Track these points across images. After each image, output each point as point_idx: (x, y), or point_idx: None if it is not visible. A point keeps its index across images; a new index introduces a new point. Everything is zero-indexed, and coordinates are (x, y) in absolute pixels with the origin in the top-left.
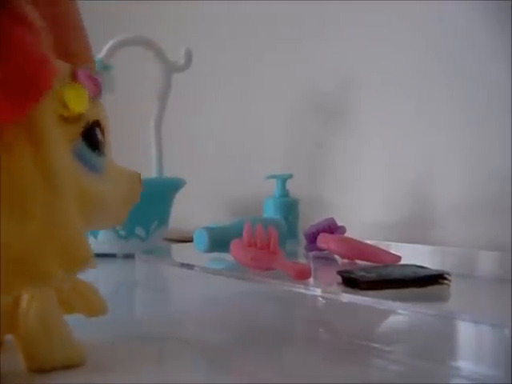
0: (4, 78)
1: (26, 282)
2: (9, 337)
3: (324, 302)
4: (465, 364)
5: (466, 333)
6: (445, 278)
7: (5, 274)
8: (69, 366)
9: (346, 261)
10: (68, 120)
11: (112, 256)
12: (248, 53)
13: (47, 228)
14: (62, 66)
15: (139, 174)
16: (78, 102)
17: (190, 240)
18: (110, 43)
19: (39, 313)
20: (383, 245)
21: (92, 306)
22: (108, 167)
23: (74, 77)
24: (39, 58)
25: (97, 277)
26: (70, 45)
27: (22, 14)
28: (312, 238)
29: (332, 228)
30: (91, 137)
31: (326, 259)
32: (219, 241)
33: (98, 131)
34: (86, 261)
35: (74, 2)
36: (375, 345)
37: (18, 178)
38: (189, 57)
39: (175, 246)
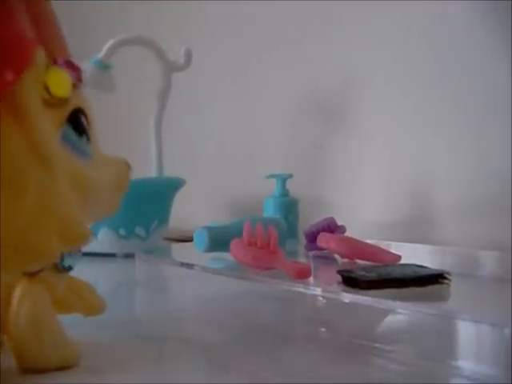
0: None
1: (27, 260)
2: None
3: (324, 301)
4: (465, 363)
5: (466, 332)
6: (445, 278)
7: (4, 253)
8: (62, 367)
9: (346, 260)
10: (52, 104)
11: (112, 256)
12: (248, 53)
13: (43, 205)
14: (42, 52)
15: (127, 161)
16: (59, 85)
17: (190, 240)
18: (110, 43)
19: (30, 312)
20: (383, 244)
21: (90, 304)
22: (96, 154)
23: (54, 62)
24: (21, 36)
25: (97, 276)
26: (49, 43)
27: None
28: (312, 238)
29: (332, 227)
30: (77, 122)
31: (326, 259)
32: (219, 240)
33: (82, 118)
34: (84, 236)
35: (49, 2)
36: (375, 344)
37: (10, 157)
38: (189, 56)
39: (175, 246)
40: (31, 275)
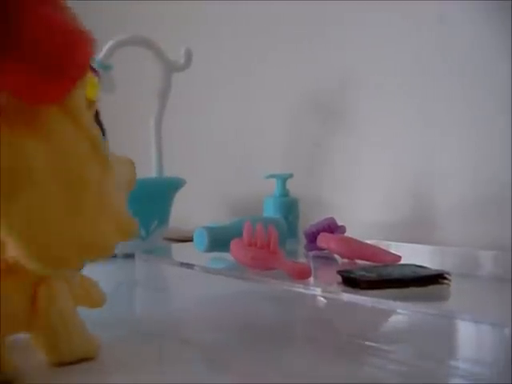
0: (43, 59)
1: (89, 254)
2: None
3: (324, 301)
4: (465, 363)
5: (466, 332)
6: (445, 278)
7: (68, 248)
8: (86, 359)
9: (346, 260)
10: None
11: (112, 255)
12: (248, 53)
13: (101, 203)
14: None
15: (132, 161)
16: (92, 89)
17: (190, 239)
18: (110, 43)
19: (60, 309)
20: (383, 244)
21: (93, 298)
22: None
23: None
24: (73, 33)
25: (97, 276)
26: None
27: None
28: (312, 238)
29: (332, 228)
30: (99, 124)
31: (326, 259)
32: (219, 240)
33: (100, 119)
34: (135, 230)
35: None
36: (375, 344)
37: (76, 151)
38: (189, 56)
39: (175, 246)
40: None
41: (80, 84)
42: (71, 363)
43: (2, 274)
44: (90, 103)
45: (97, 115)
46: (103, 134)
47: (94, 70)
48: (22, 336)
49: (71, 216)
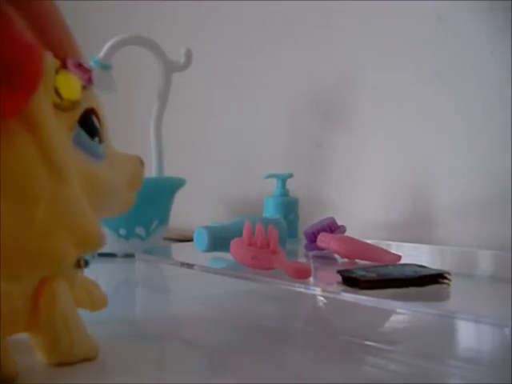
0: None
1: (42, 267)
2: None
3: (325, 301)
4: (465, 363)
5: (466, 332)
6: (445, 278)
7: (18, 261)
8: (86, 359)
9: (346, 260)
10: (63, 108)
11: (112, 256)
12: (248, 52)
13: (56, 213)
14: (50, 56)
15: (140, 158)
16: (70, 89)
17: (190, 239)
18: (110, 43)
19: (62, 310)
20: (383, 244)
21: (94, 300)
22: (109, 153)
23: (63, 66)
24: (24, 45)
25: (97, 276)
26: (56, 44)
27: None
28: (312, 238)
29: (332, 227)
30: (88, 124)
31: (326, 258)
32: (219, 240)
33: (94, 118)
34: (98, 241)
35: (53, 1)
36: (375, 344)
37: (22, 167)
38: (189, 57)
39: (175, 246)
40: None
41: (36, 93)
42: (70, 364)
43: None
44: (72, 104)
45: (86, 115)
46: (93, 136)
47: (80, 67)
48: (18, 336)
49: (21, 231)
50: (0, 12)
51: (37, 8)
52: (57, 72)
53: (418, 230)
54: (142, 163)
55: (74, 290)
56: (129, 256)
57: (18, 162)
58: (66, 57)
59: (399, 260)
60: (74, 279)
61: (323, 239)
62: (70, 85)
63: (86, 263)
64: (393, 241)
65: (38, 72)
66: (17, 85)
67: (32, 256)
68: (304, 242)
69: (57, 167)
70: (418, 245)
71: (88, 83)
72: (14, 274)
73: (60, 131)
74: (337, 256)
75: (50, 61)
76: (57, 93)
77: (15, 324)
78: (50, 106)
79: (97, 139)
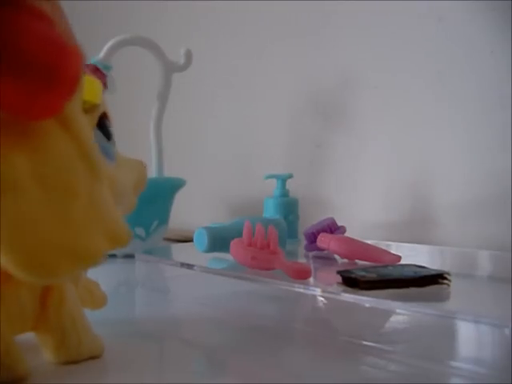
0: (33, 72)
1: (78, 262)
2: None
3: (325, 301)
4: (465, 363)
5: (466, 332)
6: (445, 278)
7: (56, 256)
8: (92, 357)
9: (345, 261)
10: (85, 110)
11: (112, 256)
12: (248, 53)
13: (92, 210)
14: None
15: (144, 162)
16: (93, 92)
17: (190, 240)
18: (110, 43)
19: (70, 310)
20: (383, 245)
21: (95, 299)
22: (117, 156)
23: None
24: (65, 48)
25: (97, 277)
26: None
27: (33, 7)
28: (312, 238)
29: (332, 228)
30: (104, 127)
31: (326, 259)
32: (219, 240)
33: (108, 121)
34: (128, 237)
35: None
36: (375, 344)
37: (62, 162)
38: (189, 57)
39: (175, 246)
40: None
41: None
42: (77, 362)
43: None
44: (93, 107)
45: (103, 118)
46: (109, 138)
47: (96, 70)
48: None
49: (59, 225)
50: (40, 12)
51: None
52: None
53: (417, 230)
54: (145, 167)
55: (78, 291)
56: (129, 256)
57: (59, 159)
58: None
59: (399, 260)
60: (78, 279)
61: (323, 240)
62: (93, 88)
63: None
64: (393, 241)
65: (78, 76)
66: (57, 87)
67: (69, 252)
68: (304, 242)
69: (93, 165)
70: (417, 245)
71: (104, 87)
72: (50, 270)
73: (89, 130)
74: (337, 256)
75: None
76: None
77: (24, 323)
78: (80, 107)
79: (112, 141)
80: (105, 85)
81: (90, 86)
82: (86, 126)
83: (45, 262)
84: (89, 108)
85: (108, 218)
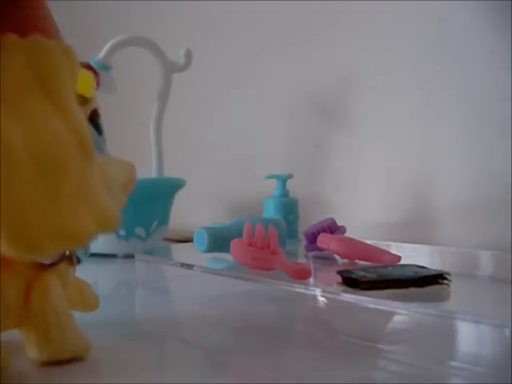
0: None
1: (64, 240)
2: None
3: (325, 302)
4: (465, 364)
5: (467, 332)
6: (445, 278)
7: (41, 233)
8: (76, 357)
9: (346, 261)
10: (80, 102)
11: (112, 256)
12: (248, 53)
13: (81, 190)
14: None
15: (133, 164)
16: (87, 86)
17: (190, 240)
18: (110, 44)
19: (55, 304)
20: (383, 245)
21: (88, 301)
22: (107, 154)
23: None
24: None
25: (97, 277)
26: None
27: None
28: (312, 238)
29: (332, 228)
30: (96, 121)
31: (326, 259)
32: (219, 241)
33: (99, 118)
34: (116, 221)
35: None
36: (375, 345)
37: (54, 138)
38: (189, 57)
39: (175, 246)
40: (48, 267)
41: (62, 69)
42: (61, 361)
43: None
44: (84, 100)
45: (94, 114)
46: (99, 134)
47: (90, 68)
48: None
49: (48, 201)
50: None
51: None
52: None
53: (417, 230)
54: (135, 169)
55: (66, 288)
56: (129, 256)
57: (52, 135)
58: None
59: (399, 260)
60: (67, 276)
61: (323, 240)
62: (87, 82)
63: (78, 260)
64: (393, 241)
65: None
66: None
67: (56, 229)
68: (304, 242)
69: (85, 146)
70: (417, 245)
71: (96, 85)
72: (35, 245)
73: (84, 117)
74: (337, 257)
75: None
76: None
77: (8, 319)
78: (74, 92)
79: (103, 136)
80: (97, 83)
81: (83, 80)
82: (80, 110)
83: (30, 235)
84: (81, 101)
85: (97, 200)
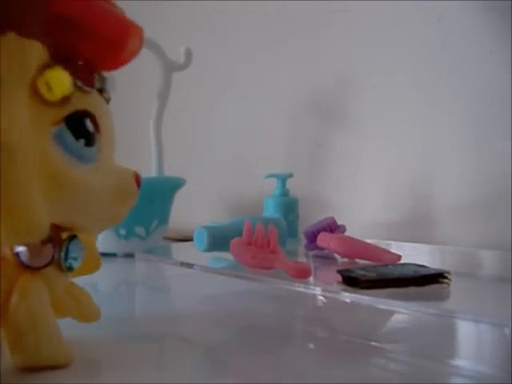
0: (105, 37)
1: None
2: None
3: (325, 301)
4: (465, 363)
5: (467, 332)
6: (445, 277)
7: None
8: (54, 366)
9: (346, 260)
10: (49, 102)
11: (112, 255)
12: (248, 52)
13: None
14: (41, 49)
15: (134, 172)
16: (58, 84)
17: (190, 239)
18: None
19: (30, 308)
20: (383, 244)
21: (86, 312)
22: (101, 161)
23: (60, 61)
24: (128, 22)
25: (97, 276)
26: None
27: None
28: (312, 237)
29: (332, 227)
30: (77, 125)
31: (326, 258)
32: (219, 240)
33: (87, 121)
34: (34, 228)
35: None
36: (375, 344)
37: None
38: (189, 56)
39: (175, 245)
40: (33, 270)
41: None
42: (36, 368)
43: None
44: (60, 100)
45: (82, 116)
46: (80, 138)
47: (85, 69)
48: None
49: None
50: None
51: None
52: (49, 66)
53: (417, 229)
54: (136, 178)
55: (55, 294)
56: (129, 256)
57: None
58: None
59: (399, 259)
60: (56, 282)
61: (323, 239)
62: (59, 80)
63: (70, 267)
64: (393, 240)
65: (137, 48)
66: (123, 54)
67: None
68: (304, 241)
69: (5, 147)
70: (417, 244)
71: (88, 85)
72: None
73: (38, 122)
74: (337, 256)
75: (39, 52)
76: (47, 85)
77: None
78: (22, 92)
79: (82, 141)
80: (91, 83)
81: (56, 78)
82: (17, 106)
83: None
84: (53, 100)
85: (15, 204)
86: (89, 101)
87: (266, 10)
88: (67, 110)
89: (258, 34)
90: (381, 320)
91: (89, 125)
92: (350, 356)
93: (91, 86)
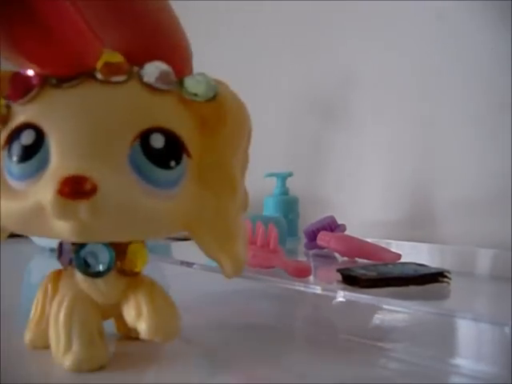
0: (56, 52)
1: None
2: None
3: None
4: (465, 362)
5: (466, 331)
6: (445, 276)
7: None
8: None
9: (345, 259)
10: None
11: None
12: (248, 52)
13: None
14: None
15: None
16: None
17: (189, 238)
18: None
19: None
20: (383, 243)
21: (143, 325)
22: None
23: None
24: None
25: None
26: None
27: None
28: (312, 236)
29: (332, 226)
30: (15, 142)
31: (326, 257)
32: None
33: (28, 134)
34: None
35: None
36: (375, 343)
37: None
38: None
39: (175, 244)
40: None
41: None
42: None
43: None
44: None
45: (19, 130)
46: (14, 154)
47: (17, 78)
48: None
49: None
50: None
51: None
52: None
53: (417, 228)
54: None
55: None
56: None
57: None
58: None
59: (399, 259)
60: (111, 287)
61: (323, 238)
62: None
63: (98, 274)
64: (393, 239)
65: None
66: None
67: None
68: (304, 240)
69: None
70: (417, 243)
71: (19, 96)
72: None
73: None
74: (337, 255)
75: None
76: None
77: None
78: None
79: (15, 158)
80: (20, 94)
81: None
82: None
83: None
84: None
85: None
86: (31, 111)
87: (267, 10)
88: (10, 126)
89: (258, 34)
90: (381, 319)
91: (27, 137)
92: (350, 355)
93: (21, 96)
